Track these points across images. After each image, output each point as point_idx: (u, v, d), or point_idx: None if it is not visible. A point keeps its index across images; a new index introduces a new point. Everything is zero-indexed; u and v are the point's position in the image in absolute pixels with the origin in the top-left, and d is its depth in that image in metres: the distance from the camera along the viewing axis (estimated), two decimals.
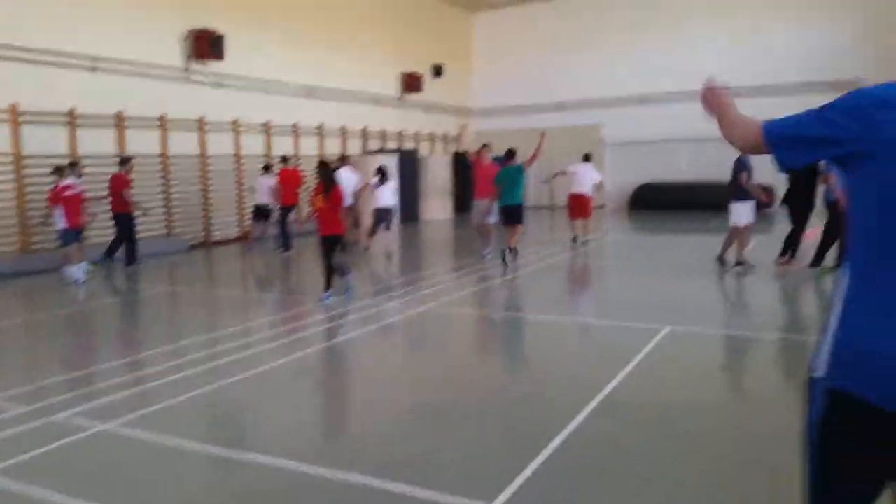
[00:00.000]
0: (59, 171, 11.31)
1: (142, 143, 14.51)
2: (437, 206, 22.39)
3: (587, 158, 15.28)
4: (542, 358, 6.83)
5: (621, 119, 24.43)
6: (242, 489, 3.92)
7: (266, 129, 17.68)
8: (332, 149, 19.15)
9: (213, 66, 15.99)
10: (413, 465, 4.14)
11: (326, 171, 9.26)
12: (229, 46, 15.93)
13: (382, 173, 13.31)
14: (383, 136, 22.16)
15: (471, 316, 8.75)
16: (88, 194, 12.13)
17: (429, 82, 24.05)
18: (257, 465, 4.16)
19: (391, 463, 4.16)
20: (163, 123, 15.01)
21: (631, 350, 6.45)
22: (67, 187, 11.16)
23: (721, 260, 10.93)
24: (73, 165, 11.96)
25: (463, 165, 22.09)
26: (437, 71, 24.62)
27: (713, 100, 2.27)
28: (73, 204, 11.19)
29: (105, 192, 12.53)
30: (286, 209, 14.45)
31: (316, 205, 9.29)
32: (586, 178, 14.66)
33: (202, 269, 13.40)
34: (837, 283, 1.92)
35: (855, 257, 1.87)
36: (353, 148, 20.54)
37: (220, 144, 16.39)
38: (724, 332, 7.55)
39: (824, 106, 1.87)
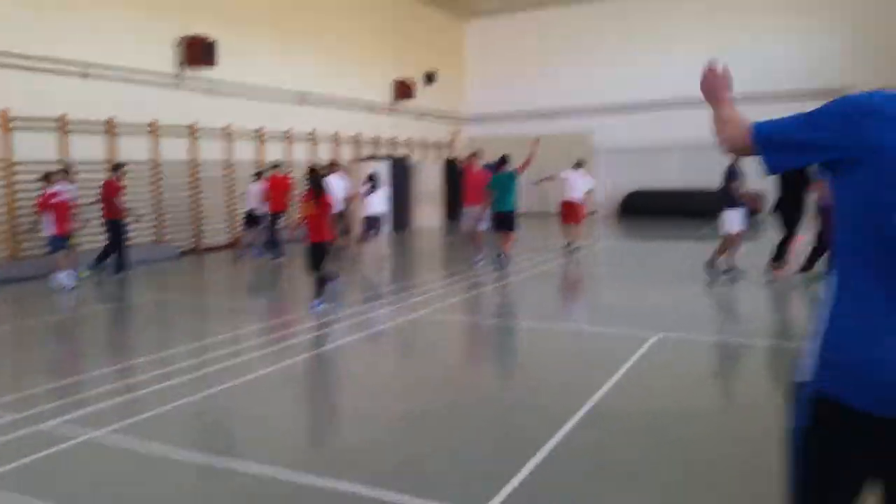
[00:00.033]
0: (47, 177, 11.27)
1: (133, 149, 14.46)
2: (428, 213, 22.40)
3: (579, 165, 15.33)
4: (534, 365, 6.83)
5: (612, 126, 24.54)
6: (232, 498, 3.90)
7: (258, 135, 17.66)
8: (325, 155, 19.12)
9: (205, 72, 15.97)
10: (403, 472, 4.13)
11: (316, 177, 9.24)
12: (221, 53, 15.92)
13: (373, 180, 13.31)
14: (375, 142, 22.17)
15: (462, 323, 8.74)
16: (79, 200, 12.10)
17: (421, 89, 24.09)
18: (247, 474, 4.14)
19: (382, 471, 4.15)
20: (154, 130, 14.98)
21: (622, 357, 6.46)
22: (55, 194, 11.11)
23: (710, 266, 10.95)
24: (65, 172, 11.93)
25: (454, 172, 22.12)
26: (430, 78, 24.67)
27: (712, 87, 2.26)
28: (62, 211, 11.15)
29: (96, 199, 12.48)
30: (275, 216, 14.42)
31: (305, 211, 9.28)
32: (577, 185, 14.71)
33: (192, 276, 13.36)
34: (824, 289, 1.93)
35: (840, 263, 1.88)
36: (346, 155, 20.54)
37: (211, 151, 16.37)
38: (714, 338, 7.57)
39: (813, 110, 1.88)
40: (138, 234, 14.10)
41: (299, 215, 9.92)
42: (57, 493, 3.95)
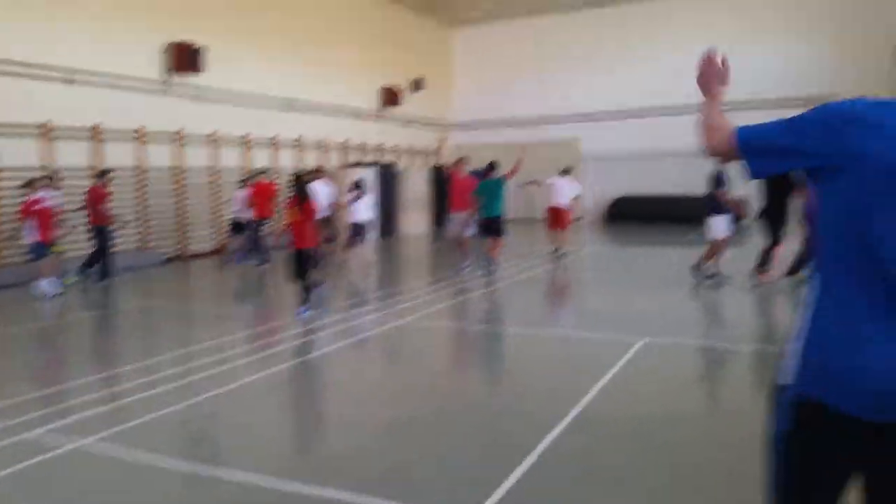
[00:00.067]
0: (30, 184, 11.17)
1: (118, 155, 14.38)
2: (415, 220, 22.39)
3: (566, 171, 15.41)
4: (520, 371, 6.84)
5: (599, 133, 24.67)
6: None
7: (244, 142, 17.61)
8: (311, 162, 19.07)
9: (192, 78, 15.92)
10: (390, 479, 4.12)
11: (300, 183, 9.20)
12: (208, 59, 15.87)
13: (359, 187, 13.31)
14: (362, 149, 22.15)
15: (448, 329, 8.75)
16: (64, 207, 12.02)
17: (408, 96, 24.11)
18: (234, 482, 4.12)
19: (368, 478, 4.14)
20: (140, 136, 14.91)
21: (608, 362, 6.48)
22: (38, 200, 11.02)
23: (696, 269, 10.99)
24: (50, 178, 11.85)
25: (441, 179, 22.15)
26: (417, 85, 24.69)
27: (708, 76, 2.24)
28: (45, 217, 11.04)
29: (81, 205, 12.41)
30: (260, 222, 14.38)
31: (290, 217, 9.24)
32: (564, 191, 14.79)
33: (177, 282, 13.29)
34: (806, 293, 1.95)
35: (822, 268, 1.90)
36: (332, 161, 20.51)
37: (197, 157, 16.30)
38: (700, 343, 7.61)
39: (795, 117, 1.90)
40: (123, 240, 14.01)
41: (284, 222, 9.88)
42: (43, 502, 3.91)
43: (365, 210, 13.41)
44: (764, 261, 10.76)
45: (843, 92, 17.76)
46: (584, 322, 9.06)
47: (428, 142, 25.51)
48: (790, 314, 9.09)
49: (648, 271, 13.21)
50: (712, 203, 10.75)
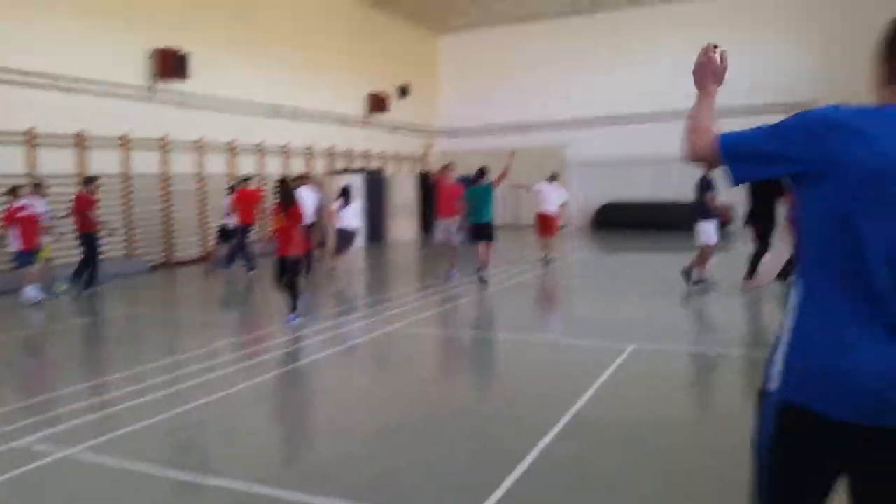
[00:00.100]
0: (13, 191, 11.07)
1: (104, 162, 14.28)
2: (403, 227, 22.38)
3: (553, 178, 15.49)
4: (511, 377, 6.84)
5: (585, 140, 24.79)
6: None
7: (230, 148, 17.54)
8: (298, 168, 19.03)
9: (178, 85, 15.85)
10: (380, 487, 4.11)
11: (285, 189, 9.14)
12: (194, 66, 15.81)
13: (346, 194, 13.28)
14: (349, 155, 22.13)
15: (438, 336, 8.73)
16: (52, 214, 11.93)
17: (395, 103, 24.13)
18: (223, 490, 4.09)
19: (357, 485, 4.12)
20: (125, 143, 14.83)
21: (599, 368, 6.49)
22: (22, 208, 10.92)
23: (687, 275, 10.99)
24: (37, 186, 11.76)
25: (428, 186, 22.15)
26: (403, 91, 24.72)
27: (703, 71, 2.21)
28: (28, 225, 10.93)
29: (67, 212, 12.32)
30: (245, 229, 14.32)
31: (276, 224, 9.20)
32: (552, 197, 14.84)
33: (164, 290, 13.20)
34: (790, 298, 1.96)
35: (805, 273, 1.91)
36: (319, 167, 20.48)
37: (183, 164, 16.22)
38: (689, 349, 7.64)
39: (779, 123, 1.90)
40: (109, 248, 13.90)
41: (271, 228, 9.83)
42: None
43: (352, 216, 13.37)
44: (753, 267, 10.80)
45: (826, 98, 17.95)
46: (574, 328, 9.07)
47: (415, 148, 25.53)
48: (778, 319, 9.14)
49: (636, 278, 13.26)
50: (701, 208, 10.80)
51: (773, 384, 1.93)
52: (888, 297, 1.76)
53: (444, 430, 5.10)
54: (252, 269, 13.97)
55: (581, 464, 4.40)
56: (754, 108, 19.96)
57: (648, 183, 23.45)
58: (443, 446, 4.77)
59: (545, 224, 14.76)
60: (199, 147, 16.62)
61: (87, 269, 12.13)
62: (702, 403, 6.01)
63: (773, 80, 21.55)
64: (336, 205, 13.22)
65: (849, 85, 19.44)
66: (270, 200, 15.88)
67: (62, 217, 12.31)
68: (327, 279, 13.09)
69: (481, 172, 12.59)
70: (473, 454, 4.58)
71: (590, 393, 5.77)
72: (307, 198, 13.20)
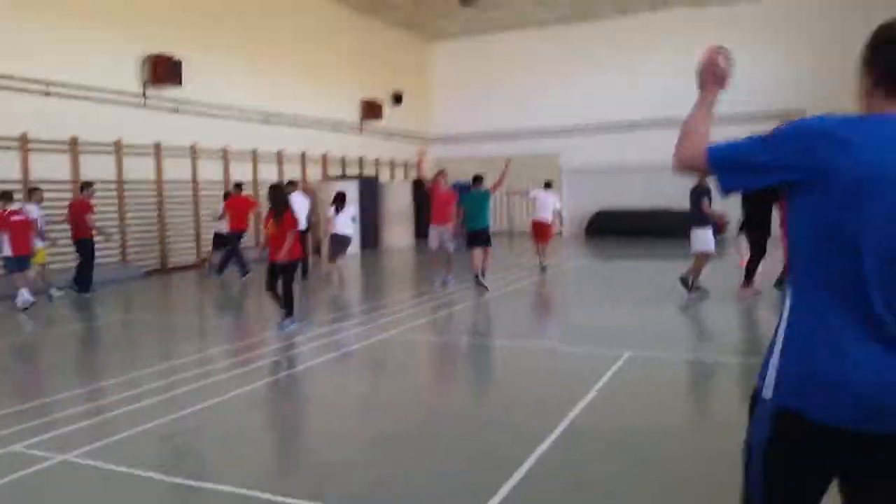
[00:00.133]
0: (4, 196, 11.00)
1: (97, 168, 14.26)
2: (397, 233, 22.38)
3: (548, 185, 15.58)
4: (507, 383, 6.84)
5: (578, 147, 24.86)
6: None
7: (224, 154, 17.52)
8: (292, 174, 19.03)
9: (171, 91, 15.84)
10: (377, 492, 4.10)
11: (277, 194, 9.12)
12: (187, 72, 15.80)
13: (340, 200, 13.29)
14: (343, 162, 22.14)
15: (433, 342, 8.73)
16: (46, 219, 11.90)
17: (389, 110, 24.17)
18: (220, 494, 4.09)
19: (355, 491, 4.11)
20: (118, 149, 14.79)
21: (595, 375, 6.49)
22: (14, 213, 10.87)
23: (685, 281, 10.98)
24: (34, 191, 11.74)
25: (422, 193, 22.16)
26: (397, 98, 24.78)
27: (705, 72, 2.19)
28: (19, 231, 10.87)
29: (62, 218, 12.30)
30: (236, 235, 14.33)
31: (268, 230, 9.16)
32: (547, 205, 14.90)
33: (158, 296, 13.16)
34: (781, 305, 1.98)
35: (796, 281, 1.93)
36: (313, 174, 20.50)
37: (177, 170, 16.20)
38: (685, 356, 7.64)
39: (767, 133, 1.91)
40: (103, 253, 13.85)
41: (264, 234, 9.80)
42: None
43: (346, 222, 13.39)
44: (749, 274, 10.82)
45: (815, 108, 18.06)
46: (570, 335, 9.06)
47: (409, 155, 25.54)
48: (773, 325, 9.16)
49: (631, 285, 13.29)
50: (696, 215, 10.81)
51: (767, 390, 1.94)
52: (879, 304, 1.78)
53: (440, 436, 5.10)
54: (245, 273, 13.98)
55: (578, 470, 4.41)
56: (743, 116, 20.07)
57: (641, 190, 23.50)
58: (439, 452, 4.77)
59: (541, 231, 14.83)
60: (193, 153, 16.59)
61: (84, 274, 12.12)
62: (698, 410, 6.02)
63: (761, 89, 21.64)
64: (330, 211, 13.24)
65: (838, 94, 19.59)
66: (263, 206, 15.89)
67: (60, 222, 12.29)
68: (322, 285, 13.07)
69: (477, 179, 12.67)
70: (470, 460, 4.58)
71: (586, 400, 5.78)
72: (299, 204, 13.21)
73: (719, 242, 11.52)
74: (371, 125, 23.51)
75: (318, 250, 14.44)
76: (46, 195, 12.77)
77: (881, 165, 1.75)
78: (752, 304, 10.31)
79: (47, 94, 13.34)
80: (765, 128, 2.00)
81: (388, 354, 8.01)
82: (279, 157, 19.33)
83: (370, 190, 21.13)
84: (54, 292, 11.85)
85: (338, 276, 13.24)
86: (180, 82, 15.67)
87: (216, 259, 14.77)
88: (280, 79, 19.20)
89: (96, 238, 12.41)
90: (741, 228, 11.32)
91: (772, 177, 1.89)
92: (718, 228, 11.00)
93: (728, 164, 1.96)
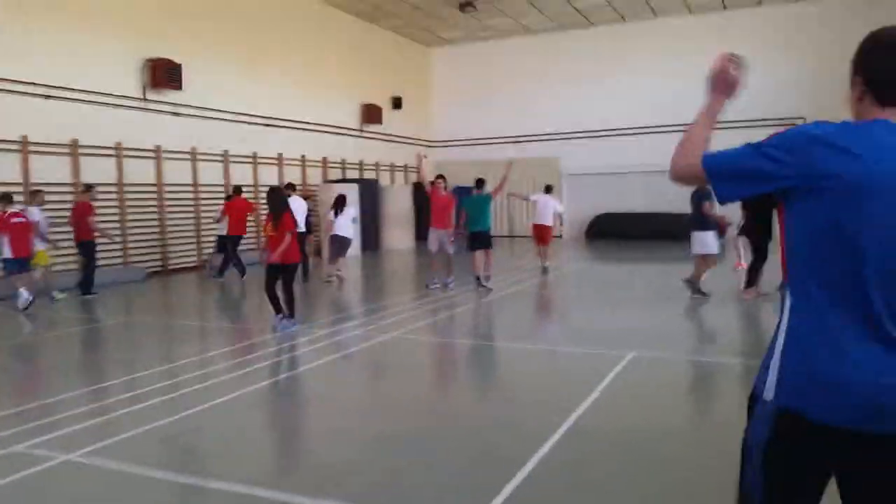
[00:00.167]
0: (4, 198, 11.01)
1: (98, 171, 14.27)
2: (398, 236, 22.42)
3: (548, 189, 15.65)
4: (509, 384, 6.83)
5: (578, 151, 24.90)
6: None
7: (225, 158, 17.53)
8: (292, 178, 19.05)
9: (171, 95, 15.86)
10: (379, 491, 4.10)
11: (275, 196, 9.14)
12: (187, 76, 15.83)
13: (340, 203, 13.33)
14: (343, 165, 22.17)
15: (435, 343, 8.73)
16: (47, 222, 11.91)
17: (388, 114, 24.20)
18: (224, 493, 4.08)
19: (357, 490, 4.12)
20: (119, 152, 14.81)
21: (597, 375, 6.49)
22: (14, 215, 10.87)
23: (690, 283, 10.97)
24: (36, 193, 11.76)
25: (422, 196, 22.18)
26: (397, 103, 24.82)
27: (715, 77, 2.19)
28: (20, 233, 10.86)
29: (67, 220, 12.31)
30: (235, 238, 14.37)
31: (267, 233, 9.17)
32: (548, 208, 14.95)
33: (160, 298, 13.15)
34: (781, 306, 1.98)
35: (795, 282, 1.94)
36: (313, 177, 20.52)
37: (177, 173, 16.20)
38: (687, 357, 7.64)
39: (762, 141, 1.92)
40: (105, 256, 13.87)
41: (264, 236, 9.82)
42: None
43: (347, 224, 13.44)
44: (750, 277, 10.82)
45: (812, 114, 18.08)
46: (572, 336, 9.06)
47: (409, 158, 25.59)
48: (775, 327, 9.15)
49: (633, 287, 13.30)
50: (698, 218, 10.80)
51: (768, 391, 1.95)
52: (878, 304, 1.79)
53: (442, 436, 5.10)
54: (244, 273, 14.08)
55: (580, 470, 4.41)
56: (741, 123, 20.08)
57: (642, 193, 23.53)
58: (442, 452, 4.76)
59: (542, 234, 14.88)
60: (193, 156, 16.60)
61: (89, 276, 12.15)
62: (701, 411, 6.02)
63: (759, 95, 21.66)
64: (330, 213, 13.29)
65: (835, 101, 19.57)
66: (262, 209, 15.94)
67: (61, 224, 12.32)
68: (323, 287, 13.08)
69: (479, 182, 12.76)
70: (472, 461, 4.58)
71: (589, 400, 5.78)
72: (297, 206, 13.25)
73: (721, 245, 11.51)
74: (371, 129, 23.53)
75: (318, 252, 14.45)
76: (47, 198, 12.80)
77: (879, 170, 1.76)
78: (754, 305, 10.31)
79: (48, 97, 13.35)
80: (763, 134, 2.01)
81: (388, 355, 8.01)
82: (279, 161, 19.34)
83: (370, 193, 21.16)
84: (57, 294, 11.87)
85: (338, 278, 13.25)
86: (180, 86, 15.69)
87: (217, 261, 14.79)
88: (280, 83, 19.22)
89: (98, 240, 12.42)
90: (741, 231, 11.32)
91: (769, 184, 1.90)
92: (720, 231, 11.00)
93: (724, 173, 1.96)
